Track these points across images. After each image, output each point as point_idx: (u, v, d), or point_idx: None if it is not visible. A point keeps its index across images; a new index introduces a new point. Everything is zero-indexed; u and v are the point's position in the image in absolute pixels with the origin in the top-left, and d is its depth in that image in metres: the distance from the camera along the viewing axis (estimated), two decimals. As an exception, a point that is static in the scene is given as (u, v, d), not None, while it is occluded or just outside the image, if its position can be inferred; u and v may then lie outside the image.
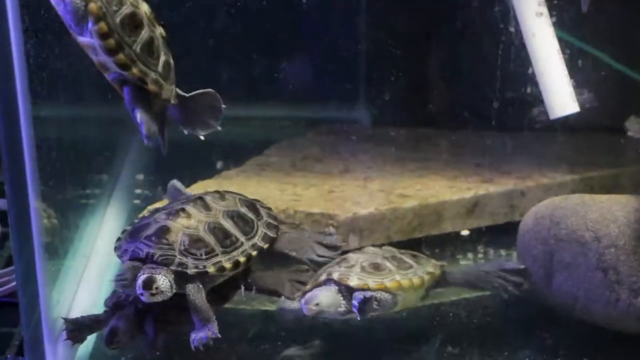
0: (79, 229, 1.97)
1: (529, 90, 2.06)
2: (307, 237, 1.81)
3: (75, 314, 1.81)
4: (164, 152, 1.79)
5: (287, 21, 2.42)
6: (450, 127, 2.38)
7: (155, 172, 2.35)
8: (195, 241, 1.68)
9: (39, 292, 1.67)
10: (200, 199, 1.75)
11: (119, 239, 1.73)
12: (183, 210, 1.71)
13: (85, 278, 1.92)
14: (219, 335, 1.63)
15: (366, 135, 2.42)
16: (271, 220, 1.78)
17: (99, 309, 1.85)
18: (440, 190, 2.12)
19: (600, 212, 1.76)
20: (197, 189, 2.11)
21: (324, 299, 1.71)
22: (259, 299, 1.85)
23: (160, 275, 1.63)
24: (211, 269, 1.67)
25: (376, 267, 1.75)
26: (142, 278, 1.63)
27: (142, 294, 1.63)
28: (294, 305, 1.76)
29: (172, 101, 1.72)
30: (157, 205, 2.04)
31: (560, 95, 1.89)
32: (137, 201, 2.22)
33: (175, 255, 1.66)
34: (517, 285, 1.81)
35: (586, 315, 1.77)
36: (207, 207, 1.74)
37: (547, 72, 1.89)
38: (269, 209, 1.83)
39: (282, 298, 1.77)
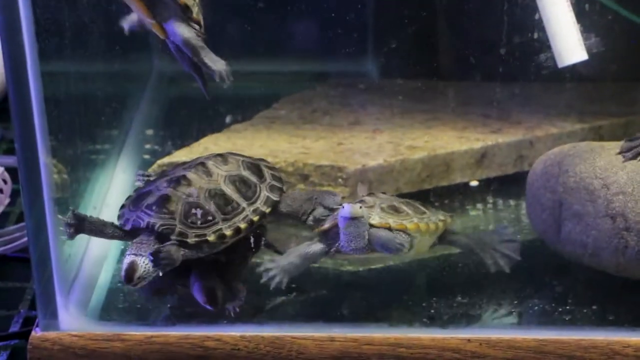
0: (89, 184, 1.98)
1: (536, 38, 2.05)
2: (308, 198, 1.80)
3: (86, 268, 1.83)
4: (208, 96, 1.82)
5: (295, -27, 2.41)
6: (458, 77, 2.38)
7: (164, 127, 2.36)
8: (196, 209, 1.68)
9: (50, 247, 1.68)
10: (202, 165, 1.74)
11: (122, 207, 1.73)
12: (184, 177, 1.71)
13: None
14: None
15: (374, 87, 2.42)
16: (275, 182, 1.77)
17: (109, 262, 1.87)
18: (448, 141, 2.12)
19: (609, 159, 1.76)
20: (206, 142, 2.12)
21: (355, 208, 1.71)
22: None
23: (142, 260, 1.63)
24: (211, 237, 1.67)
25: (395, 210, 1.76)
26: (125, 266, 1.64)
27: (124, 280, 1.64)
28: (317, 247, 1.76)
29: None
30: (167, 159, 2.05)
31: (568, 43, 1.88)
32: (146, 156, 2.22)
33: (175, 225, 1.66)
34: (510, 261, 1.81)
35: (595, 263, 1.78)
36: (208, 173, 1.73)
37: (555, 19, 1.87)
38: (274, 168, 1.82)
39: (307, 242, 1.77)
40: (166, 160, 2.05)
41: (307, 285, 1.82)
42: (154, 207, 1.68)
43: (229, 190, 1.71)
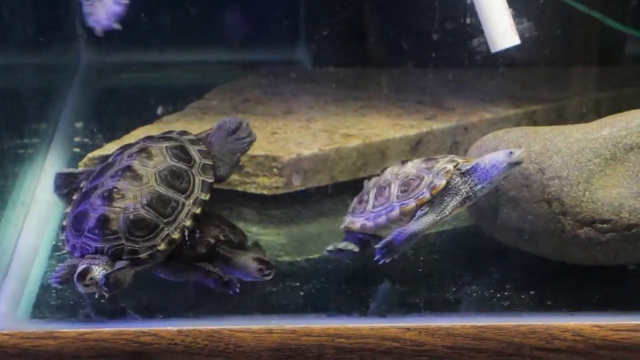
0: (17, 179, 1.94)
1: (468, 23, 2.04)
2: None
3: (16, 265, 1.79)
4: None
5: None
6: (392, 64, 2.37)
7: (94, 120, 2.32)
8: (138, 222, 1.64)
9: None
10: (128, 169, 1.68)
11: (63, 228, 1.69)
12: (116, 190, 1.66)
13: (26, 227, 1.89)
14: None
15: (307, 75, 2.41)
16: (205, 161, 1.73)
17: (40, 257, 1.83)
18: (383, 128, 2.11)
19: (543, 144, 1.76)
20: (137, 134, 2.08)
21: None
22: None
23: (97, 267, 1.61)
24: (162, 246, 1.64)
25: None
26: (79, 269, 1.61)
27: (77, 285, 1.61)
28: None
29: None
30: (98, 152, 2.01)
31: (501, 28, 1.88)
32: (76, 149, 2.18)
33: (123, 244, 1.63)
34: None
35: (532, 248, 1.78)
36: (137, 177, 1.68)
37: (486, 4, 1.87)
38: (197, 141, 1.76)
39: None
40: (97, 153, 2.01)
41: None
42: (96, 231, 1.64)
43: (163, 190, 1.67)
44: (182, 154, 1.73)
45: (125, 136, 2.07)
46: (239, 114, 2.19)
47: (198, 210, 1.68)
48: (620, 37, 2.37)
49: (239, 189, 2.00)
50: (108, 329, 1.63)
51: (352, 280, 1.80)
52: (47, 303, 1.72)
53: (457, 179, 1.72)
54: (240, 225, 1.83)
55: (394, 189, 1.75)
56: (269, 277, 1.70)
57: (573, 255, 1.75)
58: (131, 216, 1.64)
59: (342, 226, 1.79)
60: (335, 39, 2.39)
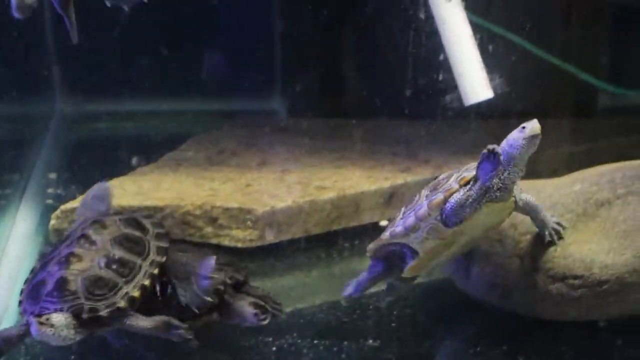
0: (-12, 232, 1.93)
1: (442, 77, 2.06)
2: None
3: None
4: (74, 40, 1.69)
5: (199, 13, 2.40)
6: (367, 116, 2.38)
7: (68, 171, 2.32)
8: (96, 281, 1.64)
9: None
10: (83, 237, 1.70)
11: (20, 302, 1.68)
12: (72, 254, 1.67)
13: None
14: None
15: (282, 126, 2.41)
16: (159, 230, 1.75)
17: (9, 313, 1.82)
18: (357, 181, 2.12)
19: (516, 199, 1.76)
20: (112, 186, 2.07)
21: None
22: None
23: (58, 314, 1.60)
24: (122, 303, 1.64)
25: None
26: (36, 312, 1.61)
27: (32, 325, 1.59)
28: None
29: None
30: (71, 204, 2.01)
31: (474, 82, 1.90)
32: (49, 201, 2.17)
33: (82, 303, 1.62)
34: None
35: (505, 303, 1.78)
36: (92, 242, 1.69)
37: (460, 59, 1.89)
38: (151, 216, 1.80)
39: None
40: (69, 205, 2.00)
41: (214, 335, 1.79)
42: (54, 293, 1.63)
43: (120, 253, 1.68)
44: (134, 224, 1.75)
45: (99, 188, 2.07)
46: (213, 166, 2.19)
47: (155, 271, 1.69)
48: (593, 90, 2.39)
49: (213, 241, 2.00)
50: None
51: (325, 335, 1.79)
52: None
53: None
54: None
55: (424, 193, 1.69)
56: (266, 322, 1.71)
57: (545, 311, 1.75)
58: (89, 276, 1.64)
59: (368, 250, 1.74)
60: (311, 91, 2.41)
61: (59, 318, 1.60)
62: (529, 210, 1.70)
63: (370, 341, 1.78)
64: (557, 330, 1.77)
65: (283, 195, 2.04)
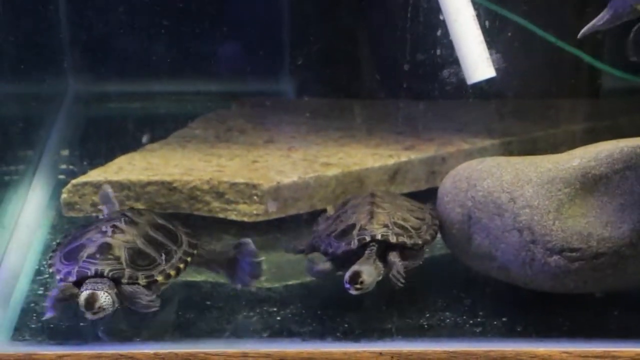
0: (1, 203, 1.97)
1: (446, 57, 2.09)
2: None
3: (-2, 286, 1.82)
4: None
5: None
6: (372, 95, 2.41)
7: (79, 147, 2.35)
8: (139, 253, 1.73)
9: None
10: (124, 216, 1.81)
11: (51, 263, 1.75)
12: (116, 227, 1.76)
13: (9, 252, 1.92)
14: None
15: (289, 106, 2.44)
16: (186, 229, 1.87)
17: (22, 282, 1.86)
18: (362, 158, 2.15)
19: (515, 174, 1.80)
20: (120, 162, 2.12)
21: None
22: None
23: (102, 292, 1.67)
24: (160, 278, 1.73)
25: None
26: (84, 296, 1.66)
27: (83, 313, 1.66)
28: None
29: None
30: (82, 179, 2.04)
31: (477, 61, 1.92)
32: (61, 176, 2.22)
33: (124, 269, 1.70)
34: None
35: (503, 275, 1.81)
36: (133, 222, 1.80)
37: (463, 39, 1.91)
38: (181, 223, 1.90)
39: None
40: (80, 180, 2.04)
41: (222, 302, 1.83)
42: (97, 255, 1.71)
43: (158, 236, 1.79)
44: (165, 217, 1.87)
45: (109, 163, 2.11)
46: (221, 143, 2.23)
47: (188, 259, 1.80)
48: (595, 71, 2.41)
49: (220, 215, 2.04)
50: (87, 351, 1.66)
51: (328, 306, 1.83)
52: (27, 326, 1.75)
53: None
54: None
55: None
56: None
57: (543, 284, 1.78)
58: (133, 247, 1.74)
59: None
60: (317, 71, 2.43)
61: (107, 299, 1.66)
62: None
63: (372, 312, 1.81)
64: (555, 302, 1.80)
65: (289, 172, 2.08)
